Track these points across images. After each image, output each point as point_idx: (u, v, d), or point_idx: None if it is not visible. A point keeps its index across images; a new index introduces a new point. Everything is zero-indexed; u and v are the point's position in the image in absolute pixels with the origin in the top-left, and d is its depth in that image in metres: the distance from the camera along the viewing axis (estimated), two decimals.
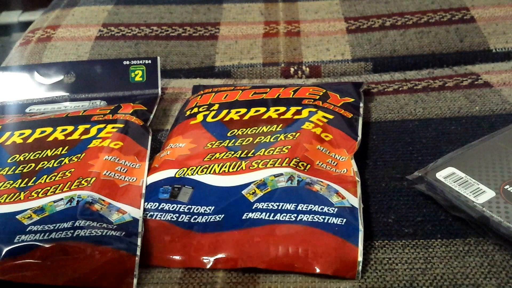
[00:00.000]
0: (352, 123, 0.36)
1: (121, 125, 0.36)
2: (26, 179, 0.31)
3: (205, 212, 0.29)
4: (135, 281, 0.26)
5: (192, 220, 0.29)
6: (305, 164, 0.31)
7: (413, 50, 0.47)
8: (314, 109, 0.36)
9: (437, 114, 0.38)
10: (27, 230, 0.27)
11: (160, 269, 0.27)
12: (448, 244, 0.28)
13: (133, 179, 0.32)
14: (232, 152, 0.33)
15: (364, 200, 0.30)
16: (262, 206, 0.29)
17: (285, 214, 0.28)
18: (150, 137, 0.36)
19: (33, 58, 0.50)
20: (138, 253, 0.27)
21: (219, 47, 0.50)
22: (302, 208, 0.28)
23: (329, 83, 0.43)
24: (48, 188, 0.30)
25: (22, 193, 0.30)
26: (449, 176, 0.30)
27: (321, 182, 0.30)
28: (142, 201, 0.30)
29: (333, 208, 0.28)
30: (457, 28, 0.49)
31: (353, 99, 0.38)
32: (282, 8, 0.55)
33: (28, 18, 1.15)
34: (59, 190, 0.30)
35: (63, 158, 0.33)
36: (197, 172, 0.32)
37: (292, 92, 0.39)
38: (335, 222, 0.28)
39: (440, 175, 0.30)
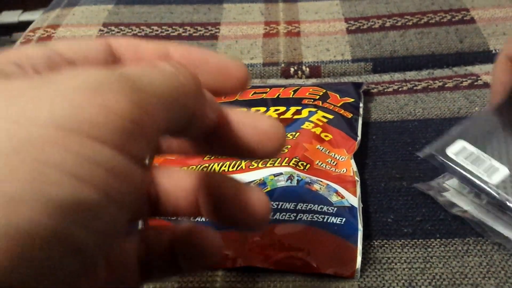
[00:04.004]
0: (352, 123, 0.36)
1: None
2: None
3: None
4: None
5: (192, 219, 0.29)
6: (304, 164, 0.31)
7: (413, 50, 0.47)
8: (314, 109, 0.36)
9: (436, 115, 0.38)
10: None
11: None
12: (447, 243, 0.28)
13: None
14: None
15: (363, 199, 0.30)
16: None
17: (284, 214, 0.28)
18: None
19: None
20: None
21: (219, 47, 0.50)
22: (301, 207, 0.28)
23: (329, 83, 0.43)
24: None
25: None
26: (460, 152, 0.27)
27: (321, 181, 0.30)
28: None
29: (333, 208, 0.28)
30: (457, 29, 0.49)
31: (353, 99, 0.38)
32: (282, 9, 0.56)
33: (28, 18, 1.15)
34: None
35: None
36: None
37: (292, 92, 0.39)
38: (335, 222, 0.28)
39: (451, 151, 0.28)
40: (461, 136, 0.28)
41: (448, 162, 0.28)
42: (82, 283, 0.13)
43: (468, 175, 0.27)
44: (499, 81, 0.31)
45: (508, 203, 0.25)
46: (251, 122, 0.17)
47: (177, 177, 0.19)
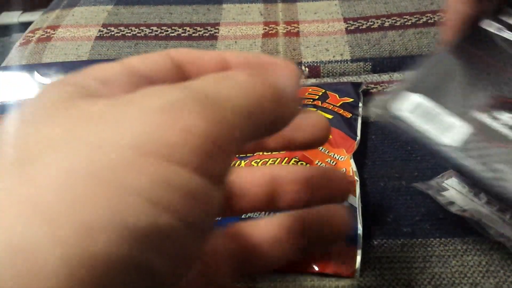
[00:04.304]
0: (351, 123, 0.36)
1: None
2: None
3: None
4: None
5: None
6: (304, 164, 0.32)
7: (412, 50, 0.47)
8: (313, 109, 0.36)
9: None
10: None
11: None
12: (447, 243, 0.28)
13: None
14: None
15: (363, 199, 0.30)
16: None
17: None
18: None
19: (33, 58, 0.50)
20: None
21: (219, 47, 0.50)
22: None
23: (328, 83, 0.43)
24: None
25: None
26: (412, 107, 0.23)
27: None
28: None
29: None
30: None
31: (352, 99, 0.38)
32: (281, 9, 0.56)
33: (28, 19, 1.15)
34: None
35: None
36: None
37: None
38: None
39: (402, 107, 0.23)
40: (413, 88, 0.23)
41: (399, 122, 0.23)
42: None
43: (422, 136, 0.22)
44: (454, 11, 0.27)
45: (468, 166, 0.21)
46: (302, 117, 0.18)
47: (250, 174, 0.20)
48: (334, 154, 0.33)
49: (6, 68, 0.44)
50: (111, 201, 0.11)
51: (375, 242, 0.28)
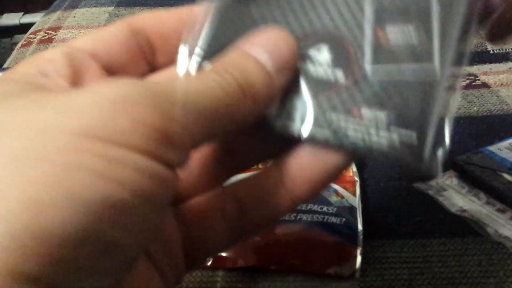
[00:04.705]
0: None
1: None
2: None
3: None
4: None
5: None
6: None
7: None
8: None
9: None
10: None
11: None
12: (447, 243, 0.28)
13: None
14: None
15: (363, 199, 0.30)
16: None
17: None
18: None
19: None
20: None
21: None
22: (301, 207, 0.29)
23: None
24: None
25: None
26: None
27: None
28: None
29: (332, 208, 0.29)
30: None
31: None
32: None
33: (29, 20, 1.15)
34: None
35: None
36: None
37: None
38: (335, 222, 0.28)
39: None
40: (200, 52, 0.17)
41: None
42: (125, 280, 0.13)
43: None
44: None
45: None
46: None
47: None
48: None
49: (7, 69, 0.45)
50: (60, 178, 0.11)
51: (375, 243, 0.28)
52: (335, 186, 0.30)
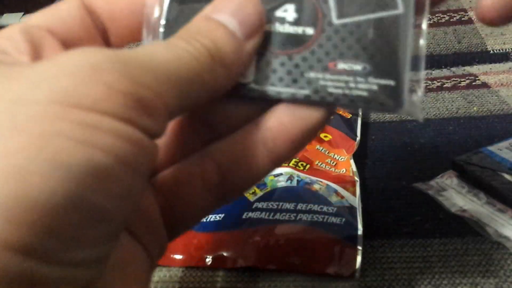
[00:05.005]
0: (351, 124, 0.36)
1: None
2: None
3: None
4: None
5: None
6: (304, 164, 0.32)
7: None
8: None
9: (435, 115, 0.38)
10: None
11: (161, 268, 0.27)
12: (447, 243, 0.28)
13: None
14: None
15: (363, 199, 0.30)
16: (262, 206, 0.29)
17: (284, 214, 0.28)
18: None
19: None
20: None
21: None
22: (301, 207, 0.28)
23: None
24: None
25: None
26: None
27: (321, 181, 0.30)
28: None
29: (332, 208, 0.28)
30: (455, 30, 0.49)
31: None
32: None
33: None
34: None
35: None
36: None
37: None
38: (334, 222, 0.28)
39: None
40: (164, 23, 0.16)
41: None
42: (110, 250, 0.13)
43: None
44: None
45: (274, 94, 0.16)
46: None
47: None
48: (334, 155, 0.33)
49: None
50: (41, 146, 0.11)
51: (375, 243, 0.28)
52: (335, 186, 0.30)
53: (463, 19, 0.50)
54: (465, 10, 0.52)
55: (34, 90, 0.11)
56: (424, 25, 0.17)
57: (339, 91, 0.16)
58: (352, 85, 0.16)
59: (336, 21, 0.16)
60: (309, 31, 0.16)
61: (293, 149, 0.17)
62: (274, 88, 0.16)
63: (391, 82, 0.16)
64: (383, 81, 0.16)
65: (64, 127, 0.11)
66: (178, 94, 0.13)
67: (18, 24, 0.15)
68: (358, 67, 0.16)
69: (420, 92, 0.17)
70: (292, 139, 0.16)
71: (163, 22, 0.16)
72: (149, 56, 0.13)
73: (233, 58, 0.14)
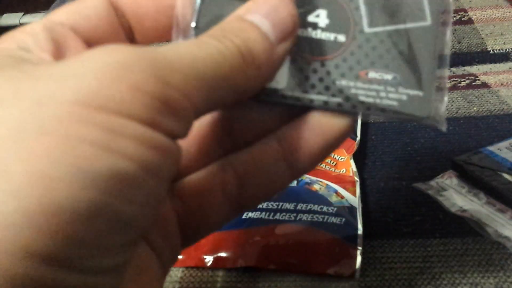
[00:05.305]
0: None
1: None
2: None
3: None
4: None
5: None
6: None
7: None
8: None
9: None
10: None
11: None
12: (447, 243, 0.28)
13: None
14: None
15: (363, 199, 0.30)
16: (262, 206, 0.29)
17: (284, 214, 0.28)
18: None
19: None
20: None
21: None
22: (301, 207, 0.28)
23: None
24: None
25: None
26: None
27: (320, 181, 0.30)
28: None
29: (332, 208, 0.28)
30: (454, 30, 0.49)
31: None
32: None
33: (29, 20, 1.15)
34: None
35: None
36: None
37: None
38: (334, 222, 0.28)
39: None
40: (195, 23, 0.16)
41: None
42: (130, 257, 0.13)
43: None
44: None
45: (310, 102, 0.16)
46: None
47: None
48: (334, 155, 0.33)
49: None
50: (65, 151, 0.10)
51: (375, 243, 0.28)
52: (335, 186, 0.30)
53: (463, 19, 0.50)
54: (465, 10, 0.52)
55: (58, 90, 0.11)
56: (448, 36, 0.17)
57: (370, 100, 0.16)
58: (383, 94, 0.16)
59: (367, 29, 0.16)
60: (341, 38, 0.16)
61: (313, 162, 0.17)
62: (306, 96, 0.16)
63: (420, 93, 0.16)
64: (412, 92, 0.16)
65: (88, 131, 0.11)
66: (206, 94, 0.13)
67: (42, 20, 0.15)
68: (388, 76, 0.16)
69: (445, 102, 0.17)
70: (312, 153, 0.16)
71: (193, 24, 0.16)
72: (178, 55, 0.12)
73: (264, 59, 0.14)
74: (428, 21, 0.17)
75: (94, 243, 0.11)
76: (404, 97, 0.16)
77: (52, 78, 0.11)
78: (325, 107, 0.16)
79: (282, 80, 0.16)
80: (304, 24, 0.16)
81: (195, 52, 0.13)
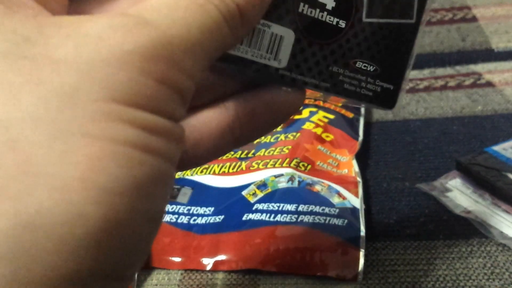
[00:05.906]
0: (353, 123, 0.36)
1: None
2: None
3: (205, 213, 0.29)
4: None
5: (191, 221, 0.29)
6: (305, 165, 0.31)
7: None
8: (315, 109, 0.36)
9: (439, 114, 0.38)
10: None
11: (160, 271, 0.27)
12: (451, 245, 0.27)
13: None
14: (232, 153, 0.33)
15: (365, 200, 0.30)
16: (263, 207, 0.28)
17: (285, 215, 0.28)
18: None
19: None
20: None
21: None
22: (302, 209, 0.28)
23: None
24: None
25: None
26: None
27: (322, 182, 0.30)
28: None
29: (334, 209, 0.28)
30: (459, 27, 0.48)
31: None
32: None
33: None
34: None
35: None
36: (196, 173, 0.31)
37: None
38: (337, 223, 0.27)
39: None
40: None
41: None
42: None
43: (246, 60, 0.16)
44: None
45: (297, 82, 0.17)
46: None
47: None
48: (336, 155, 0.33)
49: None
50: (114, 159, 0.10)
51: (378, 244, 0.28)
52: (337, 187, 0.30)
53: (467, 17, 0.50)
54: (469, 8, 0.51)
55: (83, 82, 0.10)
56: (419, 36, 0.18)
57: (352, 88, 0.17)
58: (363, 84, 0.17)
59: (364, 19, 0.17)
60: (342, 24, 0.17)
61: (258, 135, 0.18)
62: (301, 78, 0.17)
63: (391, 86, 0.18)
64: (386, 85, 0.18)
65: (128, 132, 0.11)
66: (206, 67, 0.13)
67: None
68: (371, 68, 0.17)
69: (404, 94, 0.18)
70: (260, 127, 0.18)
71: None
72: (186, 30, 0.12)
73: (254, 14, 0.14)
74: (413, 19, 0.17)
75: (139, 250, 0.11)
76: (379, 89, 0.18)
77: (71, 67, 0.11)
78: (315, 90, 0.17)
79: (284, 59, 0.16)
80: (315, 3, 0.16)
81: (198, 19, 0.13)
